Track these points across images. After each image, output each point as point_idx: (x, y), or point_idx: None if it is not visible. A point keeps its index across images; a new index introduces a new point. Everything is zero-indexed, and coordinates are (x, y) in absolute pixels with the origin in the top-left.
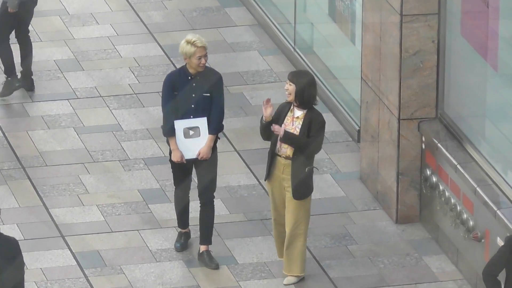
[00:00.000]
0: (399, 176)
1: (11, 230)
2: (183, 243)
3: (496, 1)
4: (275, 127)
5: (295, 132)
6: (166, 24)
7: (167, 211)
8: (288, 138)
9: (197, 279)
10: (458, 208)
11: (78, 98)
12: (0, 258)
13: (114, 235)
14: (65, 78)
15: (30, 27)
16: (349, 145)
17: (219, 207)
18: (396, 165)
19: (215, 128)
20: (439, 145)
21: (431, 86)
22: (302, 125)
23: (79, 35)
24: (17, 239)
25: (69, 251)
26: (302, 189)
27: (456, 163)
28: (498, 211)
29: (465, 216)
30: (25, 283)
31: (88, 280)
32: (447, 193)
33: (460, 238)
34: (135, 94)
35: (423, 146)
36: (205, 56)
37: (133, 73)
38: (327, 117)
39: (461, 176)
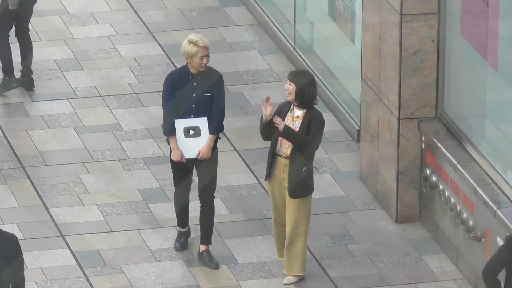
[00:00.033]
0: (399, 175)
1: (11, 230)
2: (182, 242)
3: (496, 1)
4: (276, 119)
5: None
6: (166, 24)
7: (167, 210)
8: (287, 132)
9: (197, 278)
10: (458, 207)
11: (78, 98)
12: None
13: (114, 234)
14: (65, 77)
15: (30, 27)
16: (349, 145)
17: (219, 207)
18: (396, 165)
19: (216, 128)
20: (439, 144)
21: (431, 85)
22: (301, 124)
23: (79, 34)
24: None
25: (69, 251)
26: (299, 188)
27: (456, 163)
28: (498, 211)
29: (465, 215)
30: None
31: (88, 280)
32: (447, 193)
33: (460, 237)
34: (135, 93)
35: (423, 146)
36: (207, 56)
37: (133, 73)
38: (327, 116)
39: (461, 175)
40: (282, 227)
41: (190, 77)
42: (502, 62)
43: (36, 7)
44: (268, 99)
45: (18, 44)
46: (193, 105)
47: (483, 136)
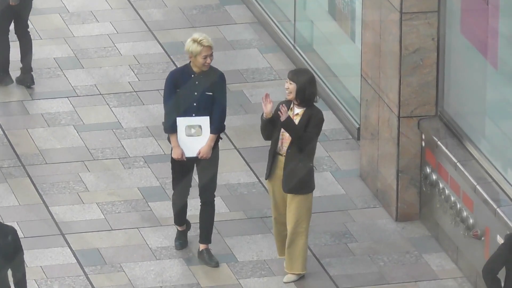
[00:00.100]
0: (399, 174)
1: None
2: (182, 242)
3: None
4: (283, 107)
5: None
6: (166, 22)
7: (167, 209)
8: (287, 123)
9: (197, 277)
10: (458, 206)
11: (78, 96)
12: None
13: (114, 233)
14: (65, 76)
15: (30, 25)
16: (349, 143)
17: (219, 205)
18: (396, 163)
19: (217, 127)
20: (439, 143)
21: (431, 84)
22: (300, 122)
23: (79, 33)
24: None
25: (69, 249)
26: (293, 182)
27: (456, 161)
28: (498, 209)
29: (465, 214)
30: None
31: (88, 278)
32: (447, 191)
33: (460, 236)
34: (135, 92)
35: (423, 144)
36: (211, 55)
37: (133, 71)
38: (327, 114)
39: (461, 174)
40: (282, 226)
41: (192, 75)
42: (502, 60)
43: (36, 5)
44: (267, 95)
45: (18, 42)
46: (194, 104)
47: (483, 134)
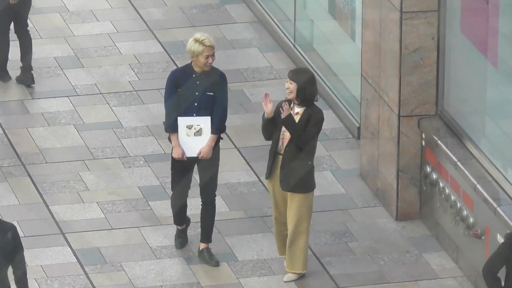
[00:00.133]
0: (399, 173)
1: None
2: (182, 240)
3: None
4: (285, 105)
5: None
6: (166, 21)
7: (167, 208)
8: (288, 120)
9: (197, 276)
10: (458, 205)
11: (78, 95)
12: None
13: (114, 232)
14: (65, 75)
15: (30, 24)
16: (349, 142)
17: (219, 204)
18: (396, 162)
19: (217, 128)
20: (439, 142)
21: (431, 83)
22: (300, 120)
23: (79, 32)
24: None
25: (69, 248)
26: (291, 179)
27: (456, 160)
28: (498, 208)
29: (465, 213)
30: None
31: (88, 277)
32: (447, 190)
33: (460, 235)
34: (135, 91)
35: (423, 143)
36: (213, 55)
37: (133, 70)
38: (327, 114)
39: (461, 173)
40: (282, 226)
41: (194, 75)
42: (502, 59)
43: (36, 4)
44: (266, 95)
45: (18, 41)
46: (195, 104)
47: (483, 133)
